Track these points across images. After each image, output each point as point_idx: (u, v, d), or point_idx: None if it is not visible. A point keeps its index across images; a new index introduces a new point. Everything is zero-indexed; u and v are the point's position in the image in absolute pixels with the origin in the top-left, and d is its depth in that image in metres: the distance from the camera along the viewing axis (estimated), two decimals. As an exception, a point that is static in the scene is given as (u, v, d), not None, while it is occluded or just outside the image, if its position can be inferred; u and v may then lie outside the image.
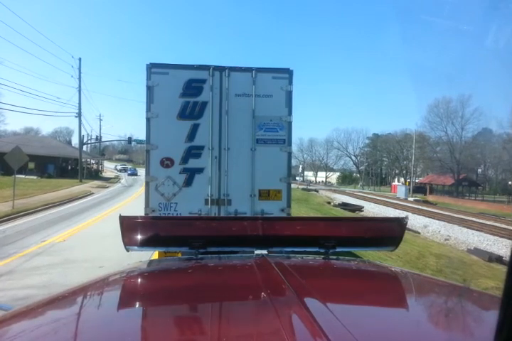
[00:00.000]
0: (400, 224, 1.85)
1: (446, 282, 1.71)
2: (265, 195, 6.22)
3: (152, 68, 6.07)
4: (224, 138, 6.14)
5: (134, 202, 20.65)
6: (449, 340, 0.95)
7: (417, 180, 61.56)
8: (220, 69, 6.17)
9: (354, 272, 1.66)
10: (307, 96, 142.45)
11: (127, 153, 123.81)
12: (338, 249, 1.70)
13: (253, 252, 1.71)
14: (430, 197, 48.78)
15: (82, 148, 40.89)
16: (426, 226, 23.55)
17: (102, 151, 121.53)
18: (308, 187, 54.25)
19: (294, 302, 1.02)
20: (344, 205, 32.84)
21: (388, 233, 1.88)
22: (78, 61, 36.83)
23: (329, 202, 36.46)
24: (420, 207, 33.56)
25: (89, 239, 10.83)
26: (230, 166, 6.15)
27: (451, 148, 53.87)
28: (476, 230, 21.15)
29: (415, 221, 24.71)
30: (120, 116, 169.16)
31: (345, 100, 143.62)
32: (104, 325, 1.00)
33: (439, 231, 21.99)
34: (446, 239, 20.21)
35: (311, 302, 1.02)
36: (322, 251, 1.69)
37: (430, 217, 25.78)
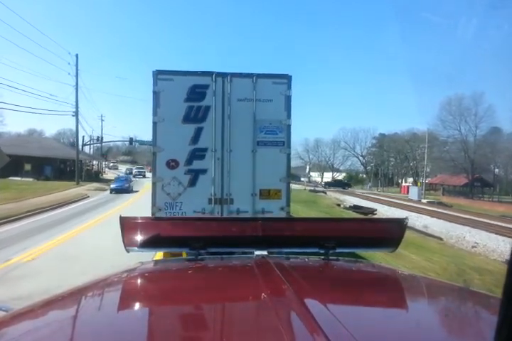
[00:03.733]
0: (400, 224, 1.84)
1: (446, 283, 1.73)
2: (266, 194, 6.49)
3: (158, 75, 6.37)
4: (226, 141, 6.44)
5: (130, 208, 18.84)
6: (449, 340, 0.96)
7: (426, 181, 59.33)
8: (223, 75, 6.49)
9: (354, 273, 1.67)
10: (313, 96, 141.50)
11: (131, 154, 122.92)
12: (338, 250, 1.68)
13: (253, 253, 1.68)
14: (444, 199, 46.67)
15: (79, 148, 39.41)
16: (448, 231, 21.73)
17: (106, 153, 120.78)
18: (316, 189, 52.34)
19: (294, 303, 1.02)
20: (355, 208, 30.98)
21: (388, 234, 1.85)
22: (75, 57, 35.09)
23: (339, 205, 35.07)
24: (436, 209, 31.69)
25: (67, 256, 9.07)
26: (232, 167, 6.43)
27: (465, 147, 51.50)
28: (505, 236, 19.17)
29: (436, 226, 22.93)
30: (124, 117, 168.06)
31: (351, 100, 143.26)
32: (104, 326, 1.01)
33: (464, 237, 20.18)
34: (473, 247, 18.49)
35: (312, 303, 1.02)
36: (322, 251, 1.68)
37: (452, 221, 23.85)
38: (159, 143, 6.32)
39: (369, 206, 33.12)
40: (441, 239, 20.21)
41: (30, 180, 36.25)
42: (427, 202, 41.23)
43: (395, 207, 33.79)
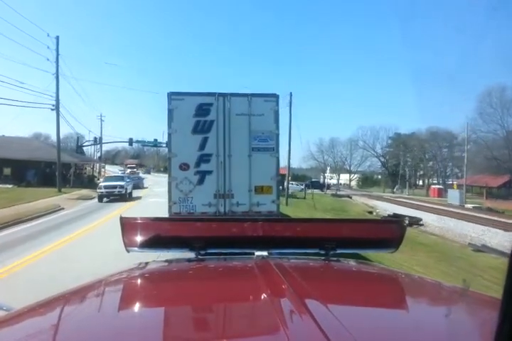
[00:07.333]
0: (400, 225, 1.88)
1: (446, 283, 1.66)
2: (260, 190, 8.31)
3: (172, 96, 8.40)
4: (227, 148, 8.37)
5: (104, 227, 12.89)
6: None
7: (454, 182, 52.81)
8: (224, 95, 8.50)
9: (354, 273, 1.71)
10: (327, 96, 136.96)
11: (139, 157, 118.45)
12: (339, 251, 1.72)
13: (253, 254, 1.70)
14: (488, 203, 40.24)
15: (66, 149, 33.89)
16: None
17: (114, 156, 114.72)
18: (338, 193, 46.45)
19: (295, 304, 1.03)
20: (395, 217, 24.48)
21: (389, 234, 1.86)
22: (56, 40, 29.21)
23: (370, 212, 28.82)
24: (498, 218, 25.39)
25: None
26: (232, 168, 8.36)
27: (509, 143, 44.65)
28: None
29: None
30: (131, 120, 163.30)
31: (368, 99, 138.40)
32: (105, 326, 1.03)
33: None
34: None
35: (312, 304, 1.03)
36: (322, 252, 1.71)
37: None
38: (173, 150, 8.38)
39: (406, 213, 26.81)
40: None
41: (9, 186, 31.56)
42: (473, 207, 35.01)
43: (440, 214, 28.04)
